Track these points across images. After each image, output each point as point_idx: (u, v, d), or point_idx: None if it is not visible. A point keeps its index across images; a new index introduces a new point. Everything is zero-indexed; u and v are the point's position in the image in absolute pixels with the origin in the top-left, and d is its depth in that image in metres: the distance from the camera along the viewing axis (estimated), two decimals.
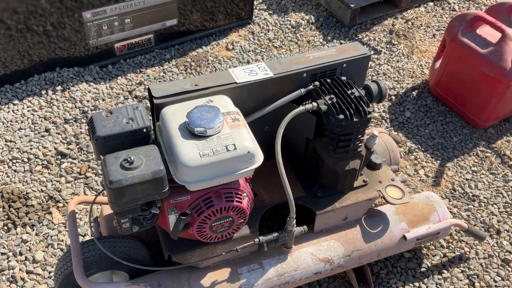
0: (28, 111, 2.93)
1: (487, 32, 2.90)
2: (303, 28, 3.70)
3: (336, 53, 2.02)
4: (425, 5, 4.03)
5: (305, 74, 1.94)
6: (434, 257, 2.35)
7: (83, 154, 2.74)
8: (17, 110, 2.93)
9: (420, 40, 3.71)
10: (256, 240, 1.89)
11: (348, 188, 2.05)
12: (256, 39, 3.59)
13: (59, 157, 2.71)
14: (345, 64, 2.00)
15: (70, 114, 2.92)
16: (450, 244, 2.40)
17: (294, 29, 3.69)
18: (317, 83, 1.93)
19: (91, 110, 2.96)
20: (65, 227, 2.41)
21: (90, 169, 2.67)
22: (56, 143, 2.77)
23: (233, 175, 1.63)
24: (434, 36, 3.75)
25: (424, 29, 3.81)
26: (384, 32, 3.75)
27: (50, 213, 2.45)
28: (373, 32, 3.75)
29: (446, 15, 3.96)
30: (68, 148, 2.75)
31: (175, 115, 1.69)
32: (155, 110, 1.78)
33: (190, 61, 3.36)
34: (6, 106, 2.95)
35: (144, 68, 3.30)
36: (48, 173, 2.64)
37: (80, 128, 2.85)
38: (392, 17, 3.89)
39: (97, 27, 3.10)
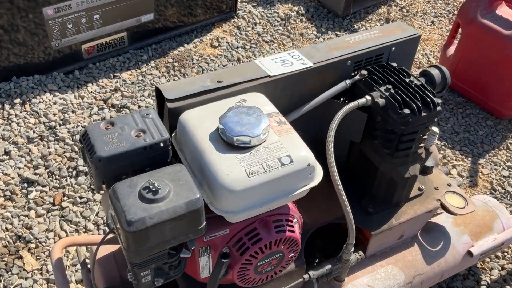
0: None
1: (507, 12, 2.62)
2: (294, 20, 3.33)
3: (380, 35, 1.65)
4: None
5: (349, 61, 1.55)
6: (491, 271, 2.01)
7: (55, 179, 2.22)
8: None
9: (419, 28, 3.42)
10: (306, 276, 1.48)
11: (404, 199, 1.67)
12: (244, 34, 3.17)
13: (25, 185, 2.18)
14: (393, 48, 1.62)
15: (34, 132, 2.39)
16: (506, 254, 2.07)
17: (284, 22, 3.31)
18: (364, 72, 1.54)
19: (60, 125, 2.45)
20: (41, 274, 1.90)
21: (65, 198, 2.16)
22: (19, 168, 2.24)
23: (288, 197, 1.21)
24: (433, 23, 3.47)
25: (421, 16, 3.53)
26: (380, 21, 3.43)
27: (20, 257, 1.93)
28: (369, 21, 3.42)
29: (440, 1, 3.69)
30: (35, 173, 2.23)
31: (200, 122, 1.26)
32: (170, 117, 1.33)
33: (172, 61, 2.90)
34: None
35: (118, 72, 2.81)
36: (13, 206, 2.11)
37: (48, 148, 2.33)
38: (386, 5, 3.59)
39: (61, 26, 2.59)
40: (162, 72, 2.84)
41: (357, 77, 1.54)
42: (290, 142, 1.22)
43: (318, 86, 1.54)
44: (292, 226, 1.30)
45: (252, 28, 3.24)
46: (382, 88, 1.49)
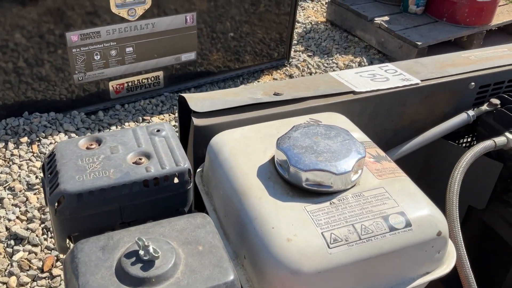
0: None
1: None
2: None
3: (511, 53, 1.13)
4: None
5: (472, 83, 1.03)
6: None
7: (50, 237, 1.73)
8: None
9: None
10: None
11: None
12: None
13: (12, 242, 1.69)
14: None
15: (37, 177, 1.94)
16: None
17: None
18: (496, 100, 1.01)
19: None
20: None
21: (58, 263, 1.65)
22: (10, 219, 1.77)
23: None
24: None
25: None
26: None
27: None
28: None
29: None
30: (27, 229, 1.74)
31: (243, 149, 0.75)
32: (196, 140, 0.83)
33: None
34: None
35: (148, 116, 2.39)
36: None
37: None
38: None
39: (86, 56, 2.22)
40: None
41: (485, 107, 1.01)
42: (401, 190, 0.69)
43: (423, 114, 1.02)
44: None
45: None
46: None
